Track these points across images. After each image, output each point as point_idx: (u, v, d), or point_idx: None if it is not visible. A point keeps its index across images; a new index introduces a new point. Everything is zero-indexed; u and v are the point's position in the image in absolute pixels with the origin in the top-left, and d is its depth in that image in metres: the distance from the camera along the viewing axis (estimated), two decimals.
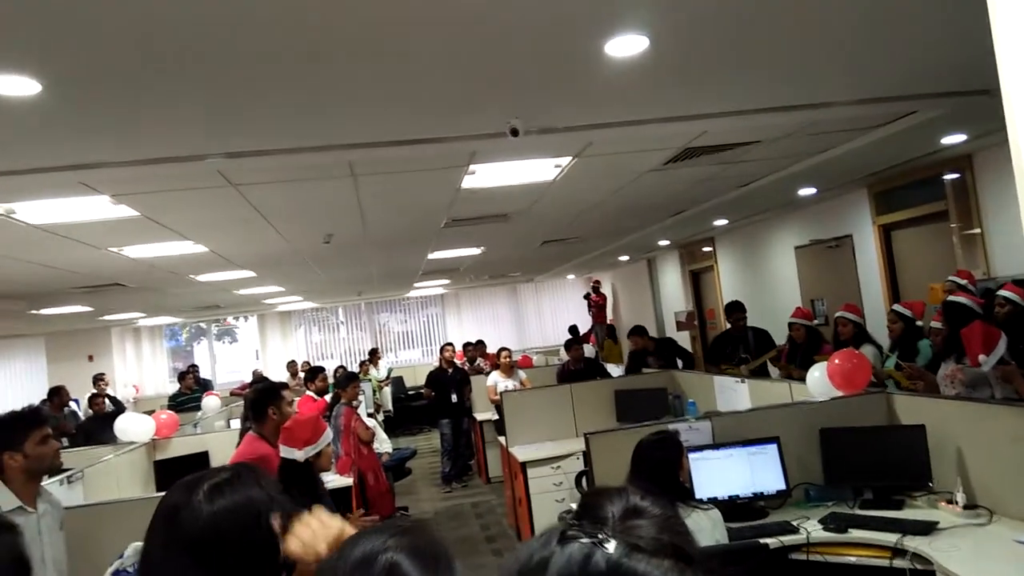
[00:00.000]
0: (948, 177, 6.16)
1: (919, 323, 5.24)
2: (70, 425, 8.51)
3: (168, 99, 2.74)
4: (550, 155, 4.54)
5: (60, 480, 4.10)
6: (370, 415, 8.03)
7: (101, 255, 5.87)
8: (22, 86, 2.43)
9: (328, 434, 3.42)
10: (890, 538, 3.10)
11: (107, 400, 9.11)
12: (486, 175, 4.76)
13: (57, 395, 9.12)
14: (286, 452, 3.30)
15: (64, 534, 3.00)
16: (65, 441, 7.20)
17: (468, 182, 4.86)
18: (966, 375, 4.18)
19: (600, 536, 0.65)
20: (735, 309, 6.97)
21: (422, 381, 9.70)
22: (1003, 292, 4.44)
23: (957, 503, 3.28)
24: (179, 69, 2.46)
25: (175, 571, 1.31)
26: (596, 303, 14.68)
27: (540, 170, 4.86)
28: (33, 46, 2.17)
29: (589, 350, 10.73)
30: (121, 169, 3.51)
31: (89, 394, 9.27)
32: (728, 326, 7.10)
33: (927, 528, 3.12)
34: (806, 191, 7.09)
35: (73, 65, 2.34)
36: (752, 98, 3.67)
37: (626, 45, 2.69)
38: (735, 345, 6.83)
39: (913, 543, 3.01)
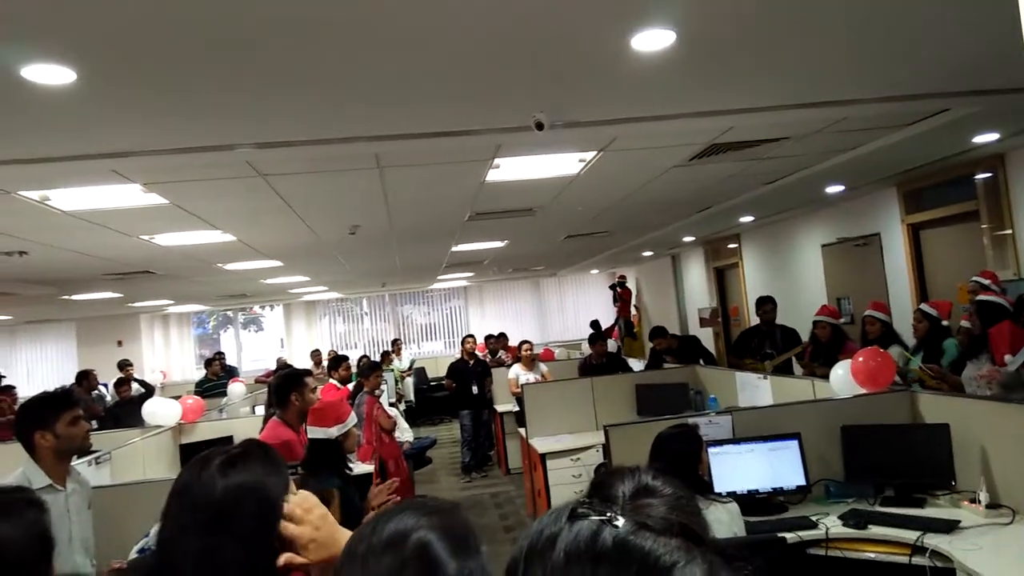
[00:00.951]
0: (979, 177, 6.06)
1: (945, 323, 5.18)
2: (99, 408, 8.68)
3: (199, 89, 2.78)
4: (575, 149, 4.55)
5: (88, 461, 4.19)
6: (392, 405, 8.10)
7: (131, 242, 5.98)
8: (58, 75, 2.49)
9: (353, 417, 3.49)
10: (910, 535, 3.08)
11: (136, 383, 9.26)
12: (511, 169, 4.77)
13: (86, 378, 9.30)
14: (318, 432, 3.36)
15: (91, 513, 3.07)
16: (94, 423, 7.34)
17: (493, 175, 4.88)
18: (1003, 376, 4.13)
19: (609, 514, 0.66)
20: (765, 301, 6.93)
21: (444, 372, 9.75)
22: None
23: (980, 502, 3.26)
24: (210, 60, 2.51)
25: (189, 543, 1.33)
26: (622, 296, 14.64)
27: (565, 164, 4.86)
28: (69, 35, 2.22)
29: (612, 345, 10.71)
30: (152, 158, 3.57)
31: (116, 379, 9.43)
32: (757, 320, 7.06)
33: (949, 526, 3.10)
34: (834, 189, 7.01)
35: (108, 55, 2.39)
36: (779, 94, 3.64)
37: (653, 40, 2.69)
38: (762, 340, 6.79)
39: (934, 541, 2.99)
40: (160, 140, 3.40)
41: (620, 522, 0.65)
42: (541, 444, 6.08)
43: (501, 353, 10.93)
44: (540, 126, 3.51)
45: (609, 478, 0.74)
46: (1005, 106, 4.02)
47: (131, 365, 10.49)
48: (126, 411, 7.90)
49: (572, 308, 16.83)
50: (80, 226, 5.10)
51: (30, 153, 3.38)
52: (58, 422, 2.90)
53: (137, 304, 11.89)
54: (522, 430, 6.81)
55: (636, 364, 8.81)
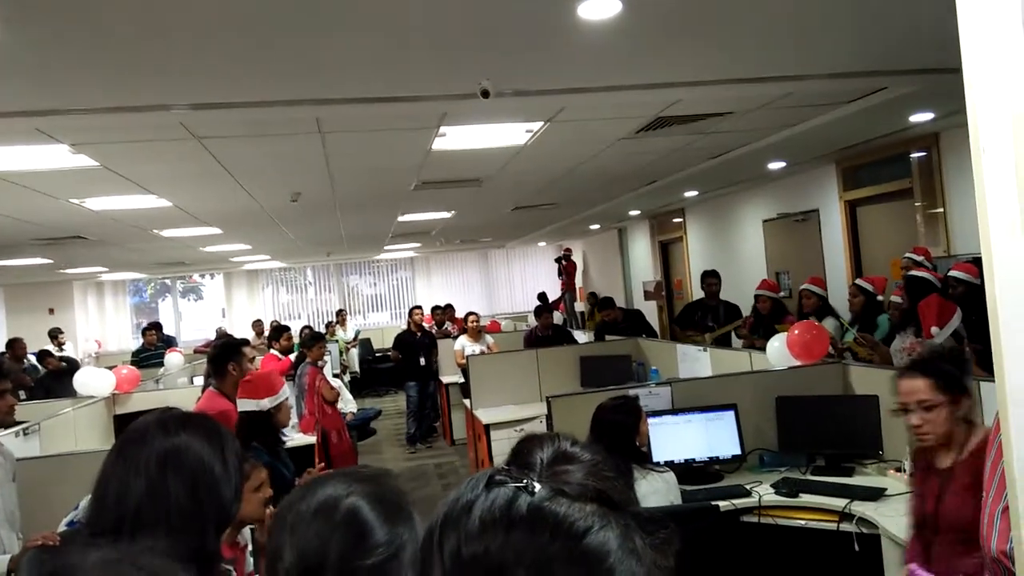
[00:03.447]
0: (915, 155, 6.23)
1: (880, 298, 5.34)
2: (28, 378, 8.37)
3: (131, 45, 2.66)
4: (522, 119, 4.51)
5: (16, 432, 4.05)
6: (336, 376, 8.01)
7: (61, 206, 5.74)
8: None
9: (286, 389, 3.43)
10: (839, 503, 3.19)
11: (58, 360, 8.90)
12: (457, 137, 4.71)
13: (12, 347, 8.94)
14: (248, 404, 3.30)
15: (16, 485, 2.97)
16: (23, 394, 7.08)
17: (439, 144, 4.81)
18: (924, 348, 4.27)
19: (525, 481, 0.66)
20: (709, 275, 7.05)
21: (390, 343, 9.67)
22: (954, 273, 4.52)
23: (905, 471, 3.38)
24: (143, 14, 2.39)
25: (134, 487, 1.30)
26: (567, 270, 14.71)
27: (512, 134, 4.82)
28: None
29: (557, 317, 10.78)
30: (79, 117, 3.41)
31: (40, 350, 9.07)
32: (701, 293, 7.18)
33: (875, 494, 3.22)
34: (776, 164, 7.13)
35: (31, 6, 2.26)
36: (726, 68, 3.66)
37: (599, 8, 2.66)
38: (705, 313, 6.92)
39: (860, 508, 3.10)
40: (88, 98, 3.25)
41: (537, 488, 0.65)
42: (485, 415, 6.10)
43: (447, 324, 10.90)
44: (486, 94, 3.46)
45: (528, 445, 0.74)
46: (941, 86, 4.11)
47: (62, 333, 10.13)
48: (58, 382, 7.64)
49: (519, 280, 16.85)
50: (4, 188, 4.86)
51: None
52: None
53: (70, 271, 11.46)
54: (467, 401, 6.82)
55: (583, 336, 8.90)
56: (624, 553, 0.63)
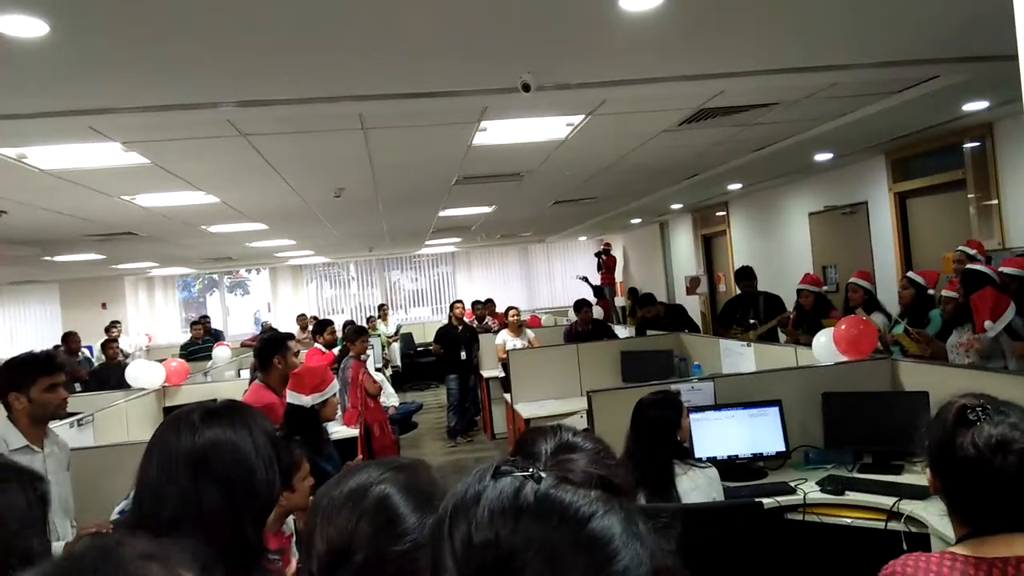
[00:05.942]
0: (968, 146, 6.05)
1: (931, 292, 5.20)
2: (83, 370, 8.63)
3: (179, 45, 2.71)
4: (563, 113, 4.49)
5: (70, 423, 4.18)
6: (378, 370, 8.10)
7: (113, 203, 5.89)
8: (29, 27, 2.41)
9: (334, 385, 3.47)
10: (886, 501, 3.12)
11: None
12: (498, 132, 4.72)
13: (67, 341, 9.22)
14: (293, 398, 3.35)
15: (70, 474, 3.06)
16: (78, 386, 7.31)
17: (480, 139, 4.82)
18: (983, 344, 4.15)
19: (531, 470, 0.68)
20: (744, 276, 6.97)
21: (431, 338, 9.74)
22: (1005, 269, 4.37)
23: None
24: (190, 13, 2.44)
25: (167, 490, 1.31)
26: (607, 264, 14.64)
27: (553, 128, 4.81)
28: None
29: (597, 311, 10.73)
30: (130, 115, 3.50)
31: (102, 340, 9.36)
32: (738, 291, 7.10)
33: (924, 493, 3.13)
34: (823, 156, 6.99)
35: (82, 6, 2.32)
36: (771, 58, 3.60)
37: None
38: (746, 309, 6.83)
39: (909, 507, 3.03)
40: (138, 97, 3.33)
41: (542, 477, 0.67)
42: (526, 409, 6.11)
43: (488, 319, 10.94)
44: (527, 88, 3.45)
45: (532, 437, 0.76)
46: (994, 74, 3.98)
47: (115, 327, 10.39)
48: (111, 374, 7.86)
49: (560, 275, 16.80)
50: (59, 185, 5.01)
51: (2, 109, 3.30)
52: (33, 386, 2.85)
53: (121, 266, 11.77)
54: (508, 395, 6.84)
55: (623, 331, 8.85)
56: (628, 537, 0.65)
